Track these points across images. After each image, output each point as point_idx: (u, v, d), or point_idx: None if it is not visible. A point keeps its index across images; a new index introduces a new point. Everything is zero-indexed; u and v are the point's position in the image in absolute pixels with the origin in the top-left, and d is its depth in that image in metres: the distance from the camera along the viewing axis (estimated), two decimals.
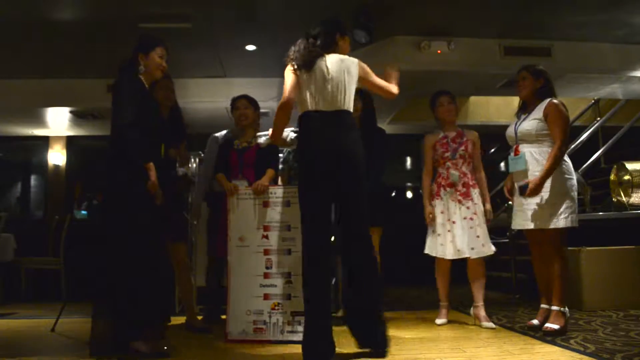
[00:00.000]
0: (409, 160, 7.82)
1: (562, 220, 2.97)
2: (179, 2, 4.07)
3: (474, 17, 4.49)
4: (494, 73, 5.05)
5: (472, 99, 6.79)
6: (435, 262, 3.49)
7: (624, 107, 6.35)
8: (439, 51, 4.71)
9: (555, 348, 2.62)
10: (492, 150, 7.62)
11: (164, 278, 3.37)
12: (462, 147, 3.44)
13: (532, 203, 3.02)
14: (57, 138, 7.22)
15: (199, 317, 3.56)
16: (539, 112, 3.09)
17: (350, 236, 2.58)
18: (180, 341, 2.99)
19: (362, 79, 2.70)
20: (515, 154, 3.14)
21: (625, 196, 4.66)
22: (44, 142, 7.23)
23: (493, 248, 3.35)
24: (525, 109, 3.24)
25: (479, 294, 3.38)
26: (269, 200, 3.11)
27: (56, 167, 7.23)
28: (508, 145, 3.32)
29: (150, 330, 2.57)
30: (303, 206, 2.59)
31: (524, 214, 3.08)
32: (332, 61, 2.60)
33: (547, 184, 2.97)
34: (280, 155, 3.76)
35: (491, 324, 3.25)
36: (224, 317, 3.21)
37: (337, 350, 2.48)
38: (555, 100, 3.09)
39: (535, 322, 3.11)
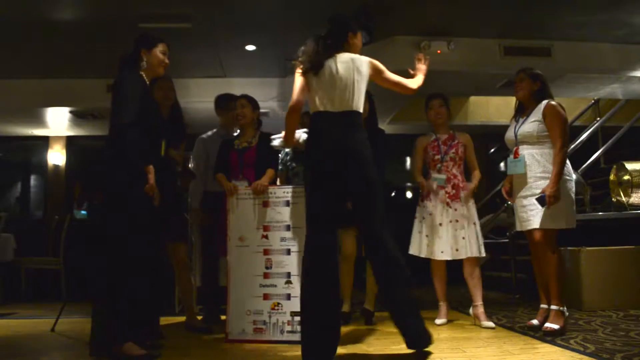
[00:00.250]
0: (408, 160, 7.82)
1: (562, 220, 2.98)
2: (179, 2, 4.08)
3: (473, 17, 4.49)
4: (494, 73, 5.05)
5: (472, 99, 6.80)
6: (430, 263, 3.49)
7: (624, 107, 6.36)
8: (438, 51, 4.70)
9: (555, 348, 2.62)
10: (492, 150, 7.63)
11: (163, 278, 3.38)
12: (453, 150, 3.48)
13: (532, 204, 3.02)
14: (57, 138, 7.23)
15: (199, 317, 3.57)
16: (537, 113, 3.09)
17: (365, 237, 2.59)
18: (180, 341, 2.99)
19: (376, 76, 2.67)
20: (515, 157, 3.14)
21: (624, 196, 4.66)
22: (44, 142, 7.24)
23: (483, 252, 3.38)
24: (522, 112, 3.24)
25: (476, 293, 3.39)
26: (269, 200, 3.11)
27: (56, 167, 7.23)
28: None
29: (148, 330, 2.57)
30: (309, 206, 2.59)
31: (525, 215, 3.08)
32: (342, 61, 2.58)
33: (546, 185, 2.97)
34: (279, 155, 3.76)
35: (491, 324, 3.26)
36: (223, 317, 3.21)
37: (347, 350, 2.45)
38: (552, 102, 3.09)
39: (535, 322, 3.11)
